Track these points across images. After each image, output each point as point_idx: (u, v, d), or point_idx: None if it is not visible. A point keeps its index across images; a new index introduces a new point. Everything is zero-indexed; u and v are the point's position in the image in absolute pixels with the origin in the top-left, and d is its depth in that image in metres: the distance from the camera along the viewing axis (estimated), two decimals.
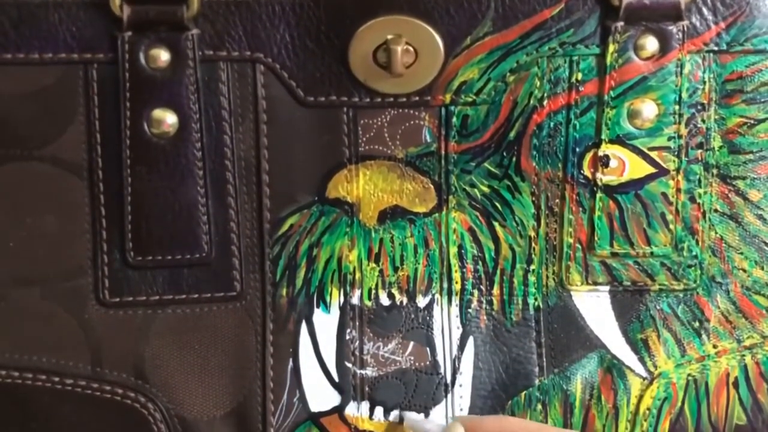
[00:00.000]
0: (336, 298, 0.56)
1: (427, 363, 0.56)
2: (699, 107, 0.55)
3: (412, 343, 0.56)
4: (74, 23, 0.52)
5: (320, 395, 0.56)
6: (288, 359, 0.56)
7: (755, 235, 0.57)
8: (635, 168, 0.55)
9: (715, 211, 0.56)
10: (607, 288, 0.57)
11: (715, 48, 0.54)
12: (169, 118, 0.53)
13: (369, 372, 0.56)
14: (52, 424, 0.54)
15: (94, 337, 0.54)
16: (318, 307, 0.56)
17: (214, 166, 0.54)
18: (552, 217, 0.56)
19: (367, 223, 0.55)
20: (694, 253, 0.56)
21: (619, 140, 0.55)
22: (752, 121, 0.55)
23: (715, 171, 0.56)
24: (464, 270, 0.56)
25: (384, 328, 0.56)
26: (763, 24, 0.54)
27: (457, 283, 0.56)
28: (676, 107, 0.55)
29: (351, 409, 0.56)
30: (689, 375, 0.57)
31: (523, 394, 0.57)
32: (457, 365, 0.56)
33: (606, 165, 0.55)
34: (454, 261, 0.56)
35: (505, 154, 0.55)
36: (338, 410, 0.56)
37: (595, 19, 0.54)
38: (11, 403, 0.54)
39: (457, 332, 0.56)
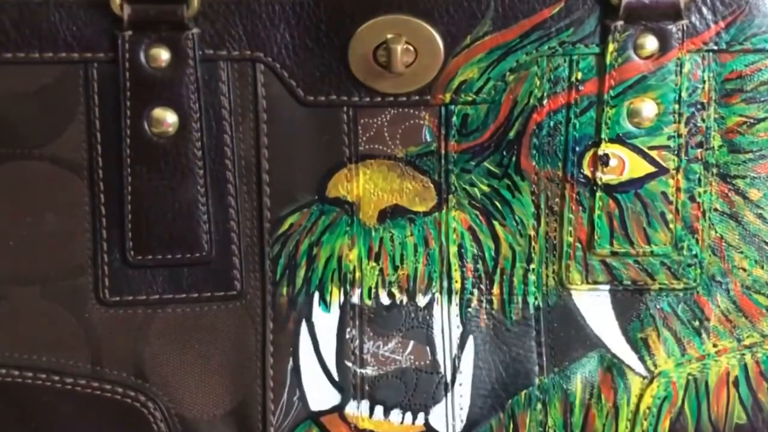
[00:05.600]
0: (336, 297, 0.56)
1: (427, 362, 0.56)
2: (699, 106, 0.55)
3: (412, 342, 0.56)
4: (74, 22, 0.52)
5: (320, 394, 0.56)
6: (288, 358, 0.56)
7: (755, 234, 0.57)
8: (635, 167, 0.55)
9: (715, 210, 0.56)
10: (607, 287, 0.57)
11: (715, 47, 0.54)
12: (169, 118, 0.53)
13: (369, 371, 0.56)
14: (52, 423, 0.54)
15: (94, 336, 0.54)
16: (318, 306, 0.56)
17: (214, 165, 0.54)
18: (552, 217, 0.56)
19: (367, 222, 0.56)
20: (694, 252, 0.56)
21: (618, 139, 0.55)
22: (752, 120, 0.55)
23: (714, 170, 0.56)
24: (464, 269, 0.56)
25: (384, 327, 0.56)
26: (763, 23, 0.54)
27: (457, 282, 0.56)
28: (676, 106, 0.55)
29: (351, 408, 0.56)
30: (689, 374, 0.57)
31: (523, 393, 0.57)
32: (457, 364, 0.56)
33: (606, 164, 0.55)
34: (454, 260, 0.56)
35: (504, 153, 0.55)
36: (338, 409, 0.56)
37: (594, 18, 0.54)
38: (11, 402, 0.54)
39: (457, 331, 0.56)
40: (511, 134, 0.55)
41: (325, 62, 0.54)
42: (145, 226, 0.54)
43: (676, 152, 0.55)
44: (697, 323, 0.57)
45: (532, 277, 0.56)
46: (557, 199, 0.56)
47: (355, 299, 0.56)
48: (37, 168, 0.53)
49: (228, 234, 0.55)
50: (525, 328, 0.57)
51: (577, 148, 0.55)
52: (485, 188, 0.56)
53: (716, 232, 0.56)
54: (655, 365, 0.57)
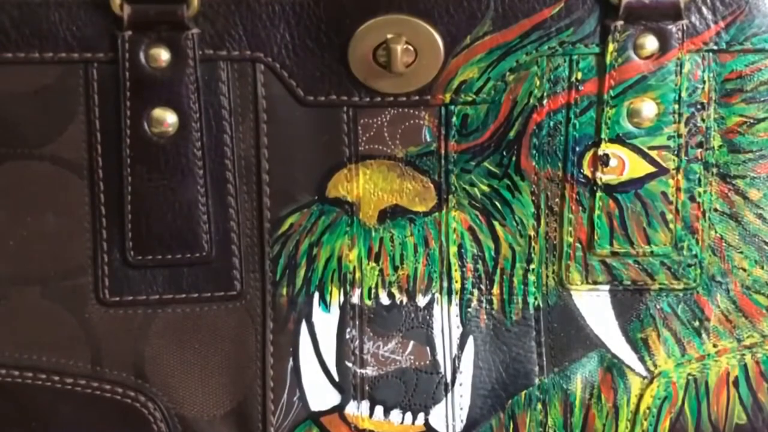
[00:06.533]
0: (336, 298, 0.56)
1: (427, 362, 0.56)
2: (699, 106, 0.55)
3: (412, 343, 0.56)
4: (74, 22, 0.52)
5: (320, 394, 0.56)
6: (288, 358, 0.56)
7: (755, 234, 0.57)
8: (635, 167, 0.55)
9: (715, 210, 0.56)
10: (607, 287, 0.57)
11: (715, 47, 0.54)
12: (169, 118, 0.53)
13: (369, 371, 0.56)
14: (52, 423, 0.54)
15: (94, 336, 0.54)
16: (318, 306, 0.56)
17: (214, 165, 0.54)
18: (552, 217, 0.56)
19: (367, 223, 0.56)
20: (693, 253, 0.56)
21: (618, 139, 0.55)
22: (752, 120, 0.55)
23: (714, 170, 0.56)
24: (464, 269, 0.56)
25: (384, 328, 0.56)
26: (763, 23, 0.54)
27: (457, 282, 0.56)
28: (676, 106, 0.55)
29: (351, 408, 0.56)
30: (689, 374, 0.57)
31: (523, 393, 0.57)
32: (457, 364, 0.56)
33: (606, 164, 0.55)
34: (454, 260, 0.56)
35: (504, 153, 0.55)
36: (338, 409, 0.56)
37: (594, 18, 0.54)
38: (11, 402, 0.54)
39: (457, 331, 0.56)
40: (511, 134, 0.55)
41: (325, 62, 0.54)
42: (145, 226, 0.54)
43: (676, 152, 0.55)
44: (697, 323, 0.57)
45: (532, 278, 0.56)
46: (557, 199, 0.56)
47: (355, 299, 0.56)
48: (37, 168, 0.53)
49: (228, 234, 0.55)
50: (525, 328, 0.57)
51: (577, 148, 0.55)
52: (485, 188, 0.56)
53: (716, 232, 0.56)
54: (655, 365, 0.57)
